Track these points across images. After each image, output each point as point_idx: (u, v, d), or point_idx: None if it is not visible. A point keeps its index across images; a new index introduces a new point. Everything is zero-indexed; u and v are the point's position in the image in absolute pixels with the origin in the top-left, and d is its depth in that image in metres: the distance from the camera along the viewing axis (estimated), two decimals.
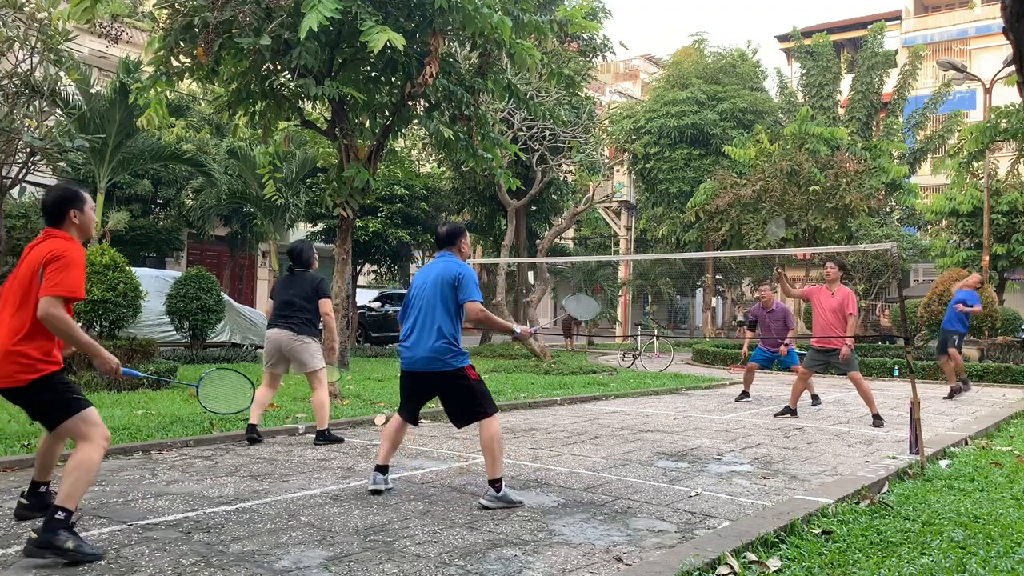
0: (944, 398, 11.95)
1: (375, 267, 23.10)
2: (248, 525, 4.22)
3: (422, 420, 8.44)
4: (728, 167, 23.16)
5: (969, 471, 5.95)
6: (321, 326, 7.03)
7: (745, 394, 11.20)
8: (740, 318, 33.25)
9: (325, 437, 6.89)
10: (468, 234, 5.25)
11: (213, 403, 7.18)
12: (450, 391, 4.87)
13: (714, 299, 32.12)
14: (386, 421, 8.03)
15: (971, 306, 12.15)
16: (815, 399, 10.60)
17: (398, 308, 23.85)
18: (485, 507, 4.68)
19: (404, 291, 27.72)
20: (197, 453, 6.30)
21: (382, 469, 5.06)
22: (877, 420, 8.70)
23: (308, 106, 10.40)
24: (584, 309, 6.20)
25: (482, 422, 4.79)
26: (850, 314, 8.81)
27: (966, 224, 22.27)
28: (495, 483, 4.74)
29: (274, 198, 14.78)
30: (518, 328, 5.09)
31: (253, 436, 6.71)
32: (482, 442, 4.80)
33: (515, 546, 3.96)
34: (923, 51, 29.79)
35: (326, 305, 6.83)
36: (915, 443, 6.34)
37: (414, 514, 4.54)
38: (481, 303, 4.86)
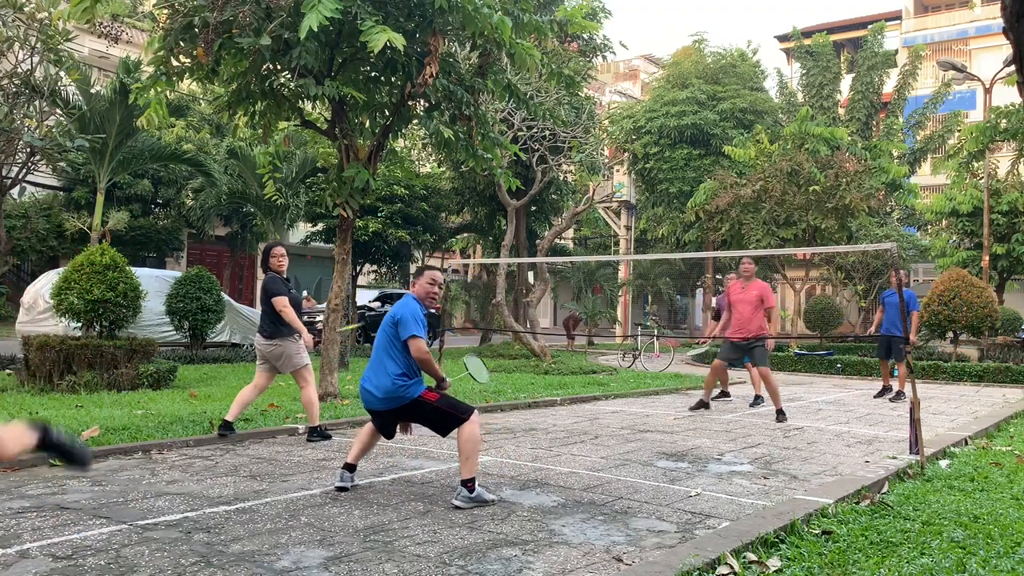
0: (876, 396, 11.98)
1: (375, 267, 23.11)
2: (248, 525, 4.22)
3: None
4: (728, 167, 23.16)
5: (969, 471, 5.95)
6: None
7: (724, 394, 11.06)
8: None
9: (318, 433, 6.97)
10: (436, 271, 5.37)
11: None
12: (419, 415, 5.04)
13: (714, 299, 32.05)
14: None
15: (911, 311, 11.72)
16: (757, 398, 10.67)
17: None
18: (457, 507, 4.69)
19: (404, 291, 27.73)
20: (197, 453, 6.30)
21: (350, 468, 5.14)
22: (780, 415, 9.14)
23: (308, 106, 10.39)
24: (476, 370, 6.25)
25: (460, 428, 4.87)
26: (770, 307, 9.43)
27: (966, 224, 22.27)
28: (467, 483, 4.78)
29: (274, 198, 14.76)
30: (447, 381, 5.14)
31: (225, 433, 6.81)
32: (458, 443, 4.88)
33: (515, 546, 3.96)
34: (923, 51, 29.79)
35: (277, 303, 6.76)
36: (915, 443, 6.34)
37: (414, 514, 4.54)
38: (423, 339, 4.97)
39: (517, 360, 16.74)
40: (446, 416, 4.95)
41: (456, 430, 4.87)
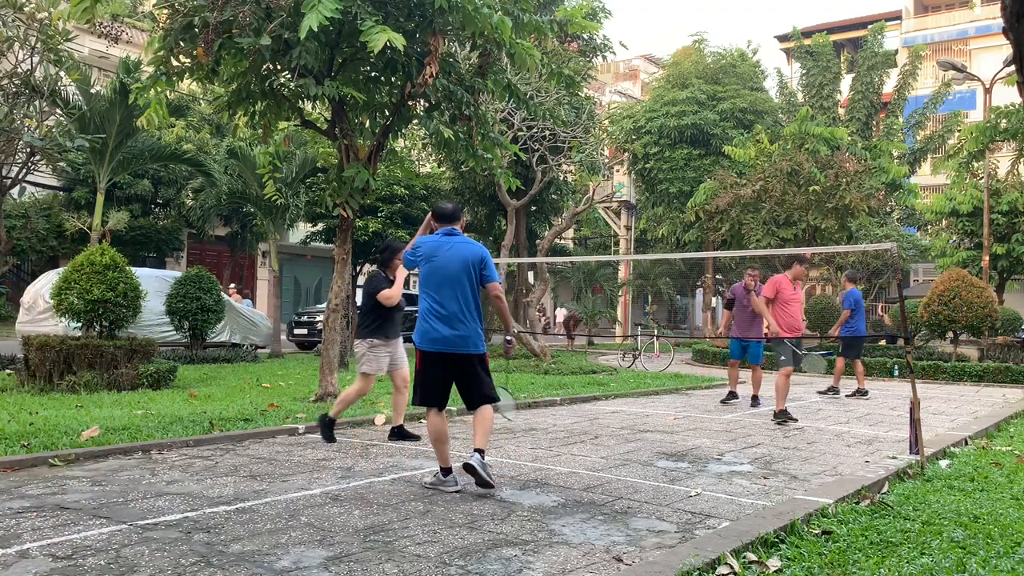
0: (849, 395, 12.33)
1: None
2: (248, 525, 4.22)
3: (421, 420, 8.44)
4: (728, 167, 23.16)
5: (969, 471, 5.95)
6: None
7: (732, 394, 10.95)
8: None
9: (398, 434, 7.11)
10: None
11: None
12: (472, 374, 5.17)
13: (714, 299, 32.10)
14: (386, 421, 8.03)
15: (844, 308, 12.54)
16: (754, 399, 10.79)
17: None
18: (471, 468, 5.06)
19: (404, 291, 27.63)
20: (197, 453, 6.30)
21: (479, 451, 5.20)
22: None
23: (308, 106, 10.39)
24: (505, 408, 6.43)
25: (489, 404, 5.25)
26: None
27: (966, 224, 22.28)
28: (481, 451, 5.15)
29: (274, 198, 14.76)
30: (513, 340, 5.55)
31: (403, 437, 7.03)
32: (482, 418, 5.21)
33: (515, 546, 3.96)
34: (923, 51, 29.80)
35: (386, 296, 6.80)
36: (915, 443, 6.34)
37: (414, 514, 4.54)
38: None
39: (517, 360, 16.74)
40: (489, 383, 5.19)
41: (475, 418, 5.16)
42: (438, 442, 5.20)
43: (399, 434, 7.09)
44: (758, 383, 10.81)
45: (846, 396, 12.18)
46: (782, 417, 8.92)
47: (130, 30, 18.18)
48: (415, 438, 7.05)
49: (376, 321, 6.85)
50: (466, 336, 5.09)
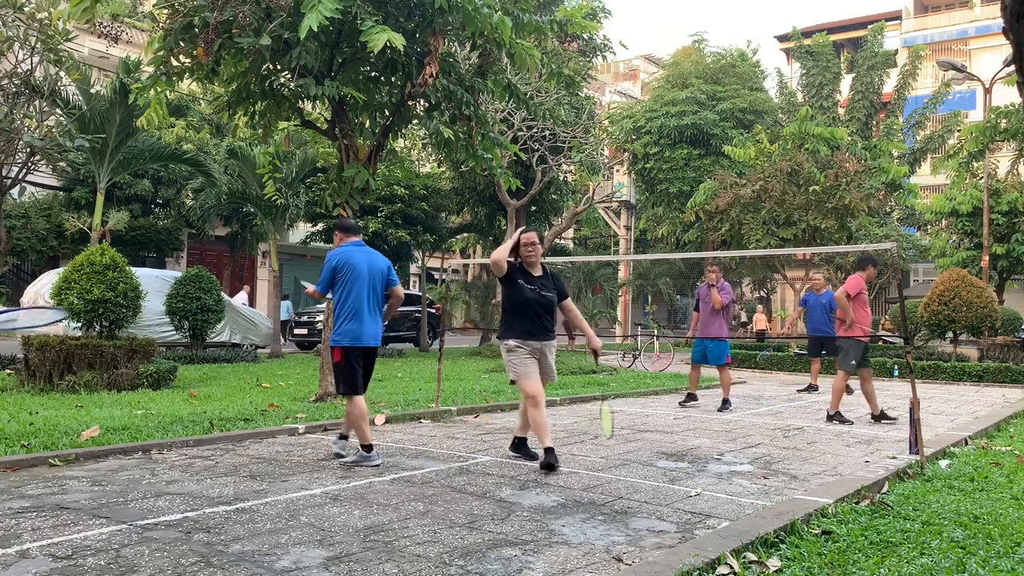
0: (800, 390, 13.15)
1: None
2: (248, 525, 4.22)
3: (421, 420, 8.44)
4: (728, 167, 23.16)
5: (969, 471, 5.95)
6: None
7: (691, 396, 10.69)
8: (744, 319, 33.22)
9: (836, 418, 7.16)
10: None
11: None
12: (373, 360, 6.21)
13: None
14: (386, 421, 8.04)
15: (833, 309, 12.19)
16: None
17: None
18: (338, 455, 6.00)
19: (404, 291, 27.64)
20: (197, 453, 6.30)
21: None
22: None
23: (308, 106, 10.39)
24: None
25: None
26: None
27: (966, 224, 22.28)
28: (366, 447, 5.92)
29: (274, 198, 14.78)
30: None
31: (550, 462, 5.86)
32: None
33: (515, 546, 3.96)
34: (923, 51, 29.79)
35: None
36: (915, 443, 6.34)
37: (414, 514, 4.54)
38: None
39: None
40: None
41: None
42: (363, 420, 5.91)
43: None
44: (727, 385, 10.38)
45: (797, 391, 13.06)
46: (838, 419, 9.02)
47: (130, 30, 18.19)
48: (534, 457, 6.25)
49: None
50: (377, 333, 6.12)
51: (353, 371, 5.94)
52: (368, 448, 5.88)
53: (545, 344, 6.06)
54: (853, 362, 8.95)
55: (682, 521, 4.51)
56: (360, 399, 5.95)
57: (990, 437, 7.98)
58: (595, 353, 6.33)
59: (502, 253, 5.98)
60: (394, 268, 6.28)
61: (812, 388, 13.12)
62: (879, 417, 9.14)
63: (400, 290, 6.29)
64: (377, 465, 5.81)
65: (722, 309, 10.24)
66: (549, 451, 5.79)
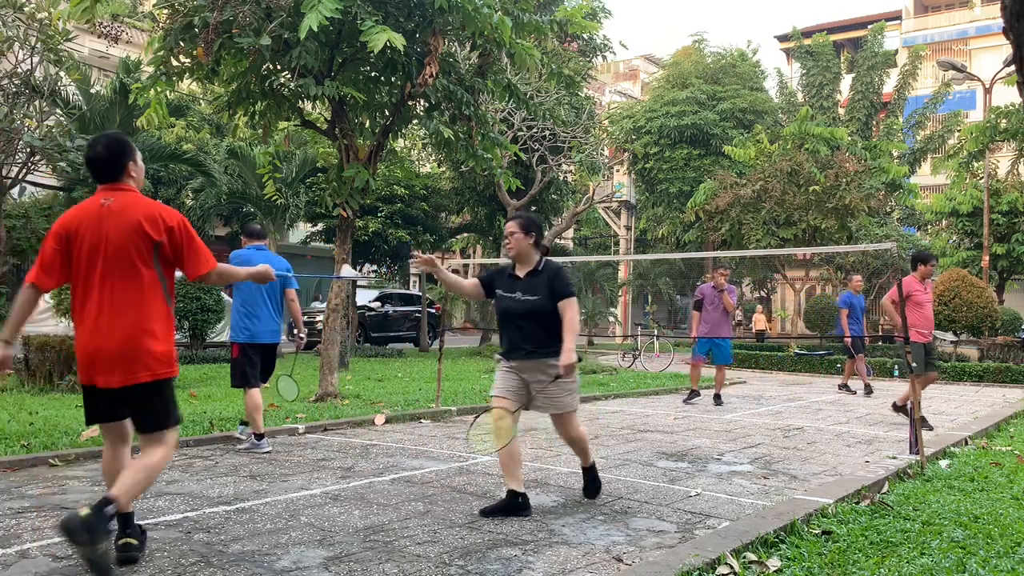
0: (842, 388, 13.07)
1: (375, 267, 23.12)
2: (248, 525, 4.22)
3: (421, 420, 8.44)
4: (728, 167, 23.15)
5: (969, 471, 5.95)
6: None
7: (695, 392, 11.04)
8: (739, 318, 33.21)
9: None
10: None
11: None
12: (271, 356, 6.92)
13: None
14: (386, 421, 8.04)
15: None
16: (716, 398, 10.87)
17: (398, 308, 24.00)
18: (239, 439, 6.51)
19: (404, 291, 27.72)
20: (197, 453, 6.30)
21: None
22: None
23: (308, 106, 10.39)
24: (285, 389, 6.32)
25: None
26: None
27: (966, 224, 22.28)
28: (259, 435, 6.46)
29: (274, 198, 14.77)
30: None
31: None
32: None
33: (515, 546, 3.96)
34: (923, 51, 29.79)
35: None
36: (915, 443, 6.34)
37: (414, 514, 4.54)
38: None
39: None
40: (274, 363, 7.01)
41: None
42: (257, 412, 6.42)
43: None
44: (721, 382, 10.96)
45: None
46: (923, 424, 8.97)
47: (130, 30, 18.19)
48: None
49: None
50: (274, 330, 6.74)
51: (247, 366, 6.57)
52: (260, 437, 6.41)
53: (523, 363, 4.71)
54: (916, 364, 8.86)
55: (682, 521, 4.51)
56: (255, 392, 6.49)
57: (990, 437, 7.98)
58: (559, 374, 4.55)
59: (458, 287, 5.08)
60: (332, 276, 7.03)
61: (868, 389, 12.44)
62: (900, 409, 8.99)
63: (292, 293, 6.88)
64: (267, 452, 6.33)
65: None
66: (512, 495, 4.57)
